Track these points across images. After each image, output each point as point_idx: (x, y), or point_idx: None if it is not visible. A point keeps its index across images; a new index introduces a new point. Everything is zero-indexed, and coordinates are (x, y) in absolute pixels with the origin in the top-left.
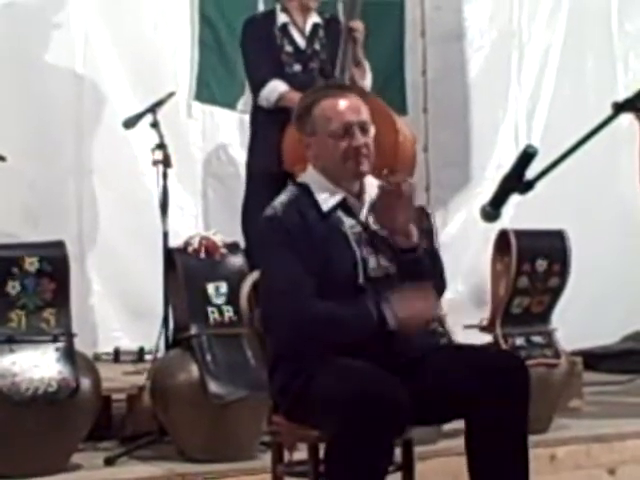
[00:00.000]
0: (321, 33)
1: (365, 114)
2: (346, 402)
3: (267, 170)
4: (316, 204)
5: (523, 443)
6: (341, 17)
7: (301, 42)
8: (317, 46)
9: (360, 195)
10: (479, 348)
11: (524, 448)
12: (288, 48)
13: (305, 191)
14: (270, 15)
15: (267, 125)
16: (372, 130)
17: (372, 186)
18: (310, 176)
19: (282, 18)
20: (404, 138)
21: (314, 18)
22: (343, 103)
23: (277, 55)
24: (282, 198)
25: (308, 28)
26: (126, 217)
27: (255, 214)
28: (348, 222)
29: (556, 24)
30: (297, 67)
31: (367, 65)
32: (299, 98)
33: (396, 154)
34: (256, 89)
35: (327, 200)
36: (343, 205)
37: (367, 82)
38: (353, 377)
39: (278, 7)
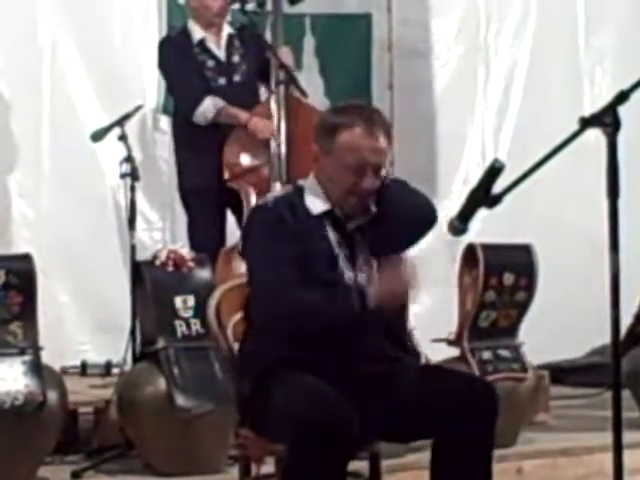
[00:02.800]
0: (237, 43)
1: (385, 156)
2: (294, 424)
3: (207, 189)
4: (305, 207)
5: (487, 466)
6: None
7: (221, 55)
8: (236, 57)
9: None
10: (451, 372)
11: (488, 471)
12: (210, 63)
13: (299, 193)
14: (184, 33)
15: (201, 143)
16: (384, 170)
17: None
18: (309, 181)
19: (197, 34)
20: None
21: (226, 29)
22: (369, 141)
23: (200, 71)
24: (276, 193)
25: (224, 40)
26: (93, 230)
27: (197, 231)
28: (332, 235)
29: (522, 39)
30: (222, 81)
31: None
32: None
33: None
34: (191, 108)
35: (316, 205)
36: (331, 215)
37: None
38: (303, 398)
39: (190, 23)
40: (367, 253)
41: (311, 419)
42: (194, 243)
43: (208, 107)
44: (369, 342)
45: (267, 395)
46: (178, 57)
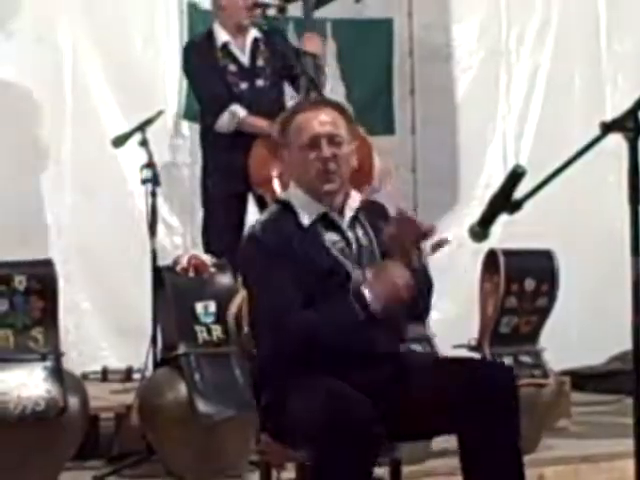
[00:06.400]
0: (262, 47)
1: (337, 127)
2: (316, 429)
3: (228, 192)
4: (297, 220)
5: (516, 452)
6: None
7: (244, 60)
8: (261, 61)
9: (342, 209)
10: (464, 360)
11: (517, 457)
12: (232, 67)
13: (286, 208)
14: (209, 36)
15: (227, 147)
16: (345, 144)
17: (355, 200)
18: (292, 192)
19: (222, 37)
20: (374, 151)
21: (253, 33)
22: (314, 116)
23: (223, 76)
24: (262, 217)
25: (248, 44)
26: (114, 235)
27: (215, 236)
28: (329, 237)
29: (544, 44)
30: (244, 85)
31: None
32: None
33: (371, 169)
34: (213, 118)
35: (308, 215)
36: (325, 220)
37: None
38: (320, 400)
39: (215, 26)
40: (370, 245)
41: (335, 420)
42: (209, 248)
43: (229, 118)
44: (378, 342)
45: (285, 400)
46: (201, 63)
